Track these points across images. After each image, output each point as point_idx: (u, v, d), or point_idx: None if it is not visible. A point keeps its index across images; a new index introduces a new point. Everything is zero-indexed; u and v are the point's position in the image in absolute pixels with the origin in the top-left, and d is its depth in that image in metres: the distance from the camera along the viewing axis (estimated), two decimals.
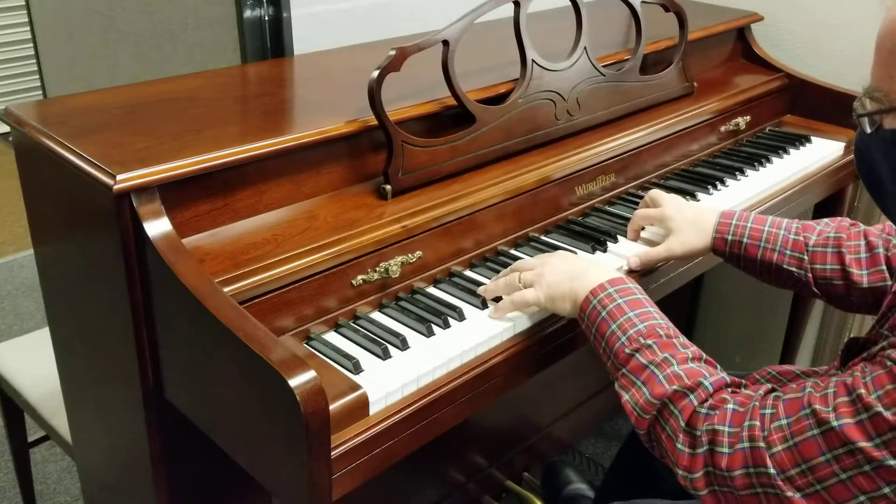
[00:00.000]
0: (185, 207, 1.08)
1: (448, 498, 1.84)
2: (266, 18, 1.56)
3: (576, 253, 1.33)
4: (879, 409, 0.83)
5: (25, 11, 2.38)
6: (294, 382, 0.86)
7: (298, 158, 1.19)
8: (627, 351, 1.02)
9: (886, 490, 0.83)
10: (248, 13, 1.54)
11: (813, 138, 1.87)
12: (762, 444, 0.90)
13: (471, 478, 1.88)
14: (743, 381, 1.01)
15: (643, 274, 1.35)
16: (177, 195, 1.06)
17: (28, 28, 2.36)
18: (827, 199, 1.86)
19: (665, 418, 0.98)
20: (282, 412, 0.89)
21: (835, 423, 0.85)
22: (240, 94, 1.44)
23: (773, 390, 0.97)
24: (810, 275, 1.29)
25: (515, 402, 1.92)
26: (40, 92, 2.54)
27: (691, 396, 0.97)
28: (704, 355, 1.03)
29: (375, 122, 1.22)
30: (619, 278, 1.10)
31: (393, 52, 1.22)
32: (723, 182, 1.64)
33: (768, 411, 0.92)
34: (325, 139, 1.20)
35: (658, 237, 1.38)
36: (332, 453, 0.94)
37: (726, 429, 0.93)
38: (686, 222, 1.33)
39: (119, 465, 1.35)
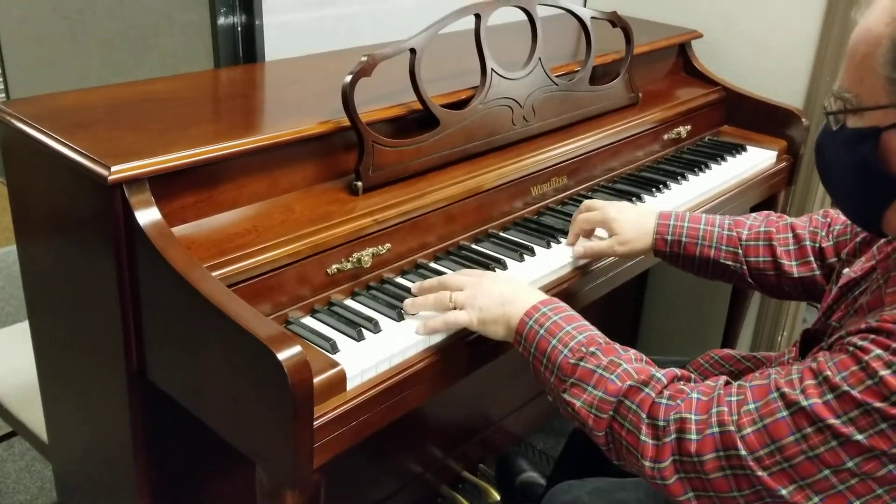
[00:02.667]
0: (173, 199, 1.15)
1: (406, 488, 1.91)
2: (239, 26, 1.64)
3: (531, 249, 1.43)
4: (846, 388, 0.89)
5: None
6: (282, 356, 0.94)
7: (276, 156, 1.27)
8: (572, 361, 1.07)
9: (850, 464, 0.89)
10: (221, 20, 1.60)
11: (748, 147, 2.01)
12: (732, 428, 0.94)
13: (428, 468, 1.96)
14: (692, 375, 1.07)
15: (589, 270, 1.45)
16: (165, 187, 1.13)
17: None
18: (761, 203, 1.99)
19: (623, 415, 1.02)
20: (270, 384, 0.96)
21: (804, 403, 0.91)
22: (219, 95, 1.51)
23: (728, 383, 1.02)
24: (745, 267, 1.39)
25: (469, 396, 2.00)
26: (3, 94, 2.56)
27: (647, 389, 1.02)
28: (644, 356, 1.09)
29: (347, 123, 1.31)
30: (550, 299, 1.15)
31: (364, 59, 1.31)
32: (666, 186, 1.76)
33: (734, 398, 0.97)
34: (300, 138, 1.28)
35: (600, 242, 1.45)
36: (314, 424, 1.01)
37: (693, 416, 0.97)
38: (628, 224, 1.41)
39: (98, 452, 1.40)
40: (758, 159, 1.96)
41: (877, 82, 0.92)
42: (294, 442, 0.98)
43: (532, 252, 1.43)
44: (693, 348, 2.46)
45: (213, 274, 1.09)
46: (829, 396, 0.90)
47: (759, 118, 2.06)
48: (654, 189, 1.73)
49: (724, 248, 1.39)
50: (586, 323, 1.12)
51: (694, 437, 0.97)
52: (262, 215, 1.24)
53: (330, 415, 1.04)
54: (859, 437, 0.88)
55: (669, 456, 0.98)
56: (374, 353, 1.13)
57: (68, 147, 1.13)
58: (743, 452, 0.94)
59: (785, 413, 0.93)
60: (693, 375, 1.07)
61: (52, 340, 1.40)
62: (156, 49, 1.72)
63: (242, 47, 1.65)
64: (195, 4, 1.62)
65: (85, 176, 1.10)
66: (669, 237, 1.41)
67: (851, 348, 0.91)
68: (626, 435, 1.02)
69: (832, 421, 0.89)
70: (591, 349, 1.07)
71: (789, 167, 2.02)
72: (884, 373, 0.87)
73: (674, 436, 0.98)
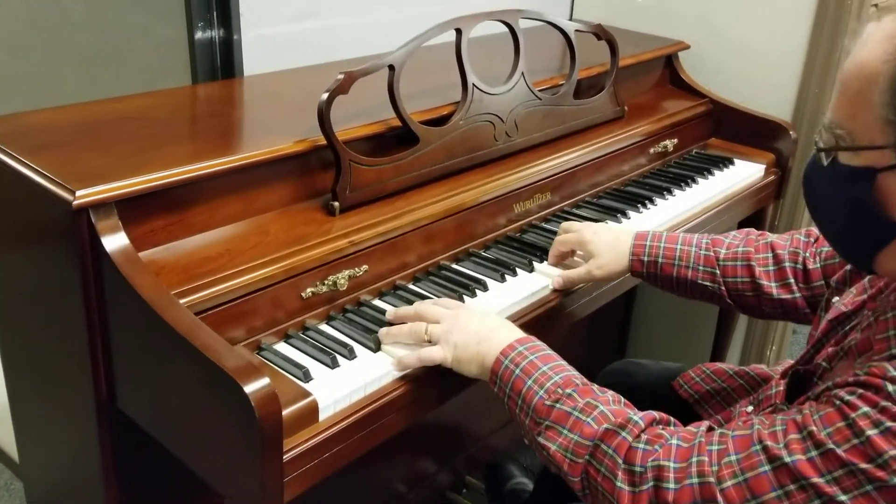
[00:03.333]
0: (142, 222, 1.12)
1: None
2: (217, 40, 1.61)
3: (513, 268, 1.41)
4: (831, 445, 0.85)
5: None
6: (249, 388, 0.91)
7: (250, 176, 1.24)
8: (548, 403, 1.03)
9: None
10: (199, 35, 1.57)
11: (736, 160, 1.99)
12: (712, 479, 0.91)
13: (413, 487, 1.93)
14: (671, 419, 1.03)
15: (573, 290, 1.43)
16: (133, 210, 1.10)
17: None
18: (749, 218, 1.97)
19: (599, 459, 0.98)
20: (237, 417, 0.93)
21: (787, 459, 0.87)
22: (193, 113, 1.48)
23: (711, 429, 1.00)
24: (723, 288, 1.36)
25: (455, 411, 1.97)
26: None
27: (623, 433, 0.98)
28: (623, 398, 1.05)
29: (324, 142, 1.28)
30: (526, 337, 1.12)
31: (341, 76, 1.28)
32: (652, 201, 1.73)
33: (716, 447, 0.93)
34: (275, 158, 1.25)
35: (580, 262, 1.42)
36: (284, 457, 0.99)
37: (672, 464, 0.94)
38: (604, 245, 1.38)
39: (69, 476, 1.37)
40: (745, 173, 1.94)
41: (872, 121, 0.87)
42: (263, 476, 0.95)
43: (514, 272, 1.41)
44: (682, 359, 2.43)
45: (184, 300, 1.06)
46: (814, 453, 0.87)
47: (747, 131, 2.04)
48: (639, 205, 1.71)
49: (701, 268, 1.36)
50: (564, 363, 1.09)
51: (672, 486, 0.93)
52: (236, 238, 1.21)
53: (301, 447, 1.01)
54: (843, 497, 0.85)
55: None
56: (348, 381, 1.10)
57: (33, 169, 1.10)
58: None
59: (767, 468, 0.89)
60: (673, 419, 1.04)
61: (21, 363, 1.37)
62: (133, 64, 1.69)
63: (220, 62, 1.62)
64: (171, 18, 1.59)
65: (50, 200, 1.07)
66: (646, 258, 1.38)
67: (838, 402, 0.88)
68: (601, 480, 0.98)
69: (815, 479, 0.86)
70: (568, 390, 1.04)
71: (777, 181, 2.00)
72: (871, 432, 0.84)
73: (651, 483, 0.95)
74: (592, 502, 1.02)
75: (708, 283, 1.36)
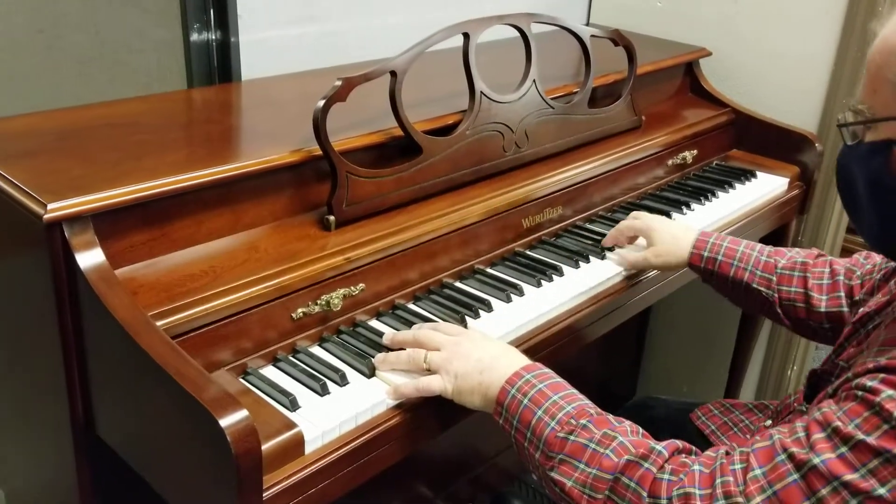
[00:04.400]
0: (120, 237, 1.05)
1: None
2: (213, 43, 1.54)
3: (519, 287, 1.33)
4: (861, 437, 0.81)
5: None
6: (225, 422, 0.84)
7: (241, 188, 1.17)
8: (560, 435, 0.96)
9: None
10: (194, 37, 1.51)
11: (758, 173, 1.90)
12: (740, 500, 0.87)
13: None
14: (693, 448, 0.97)
15: (583, 310, 1.35)
16: (112, 224, 1.03)
17: None
18: (772, 234, 1.89)
19: (620, 494, 0.92)
20: (213, 452, 0.86)
21: (816, 461, 0.83)
22: (184, 120, 1.41)
23: (728, 453, 0.94)
24: (776, 295, 1.34)
25: (461, 431, 1.88)
26: None
27: (646, 464, 0.92)
28: (641, 429, 0.99)
29: (321, 152, 1.21)
30: (533, 364, 1.05)
31: (339, 83, 1.21)
32: (669, 216, 1.65)
33: (738, 465, 0.89)
34: (268, 168, 1.18)
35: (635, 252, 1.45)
36: (265, 494, 0.92)
37: (697, 490, 0.89)
38: (668, 235, 1.41)
39: (48, 493, 1.30)
40: (768, 186, 1.85)
41: (890, 93, 0.87)
42: None
43: (520, 291, 1.33)
44: (698, 386, 2.35)
45: (163, 322, 0.99)
46: (843, 449, 0.83)
47: (771, 142, 1.95)
48: None
49: (759, 272, 1.36)
50: (575, 392, 1.02)
51: None
52: (223, 254, 1.13)
53: (283, 484, 0.94)
54: (882, 490, 0.80)
55: None
56: (338, 410, 1.03)
57: (4, 179, 1.03)
58: None
59: (796, 476, 0.84)
60: (694, 448, 0.97)
61: None
62: (128, 66, 1.62)
63: (217, 66, 1.55)
64: (167, 20, 1.52)
65: (21, 212, 1.00)
66: (706, 254, 1.38)
67: (861, 392, 0.84)
68: None
69: (849, 476, 0.81)
70: (582, 421, 0.97)
71: (802, 195, 1.91)
72: None
73: None
74: None
75: (763, 289, 1.35)
